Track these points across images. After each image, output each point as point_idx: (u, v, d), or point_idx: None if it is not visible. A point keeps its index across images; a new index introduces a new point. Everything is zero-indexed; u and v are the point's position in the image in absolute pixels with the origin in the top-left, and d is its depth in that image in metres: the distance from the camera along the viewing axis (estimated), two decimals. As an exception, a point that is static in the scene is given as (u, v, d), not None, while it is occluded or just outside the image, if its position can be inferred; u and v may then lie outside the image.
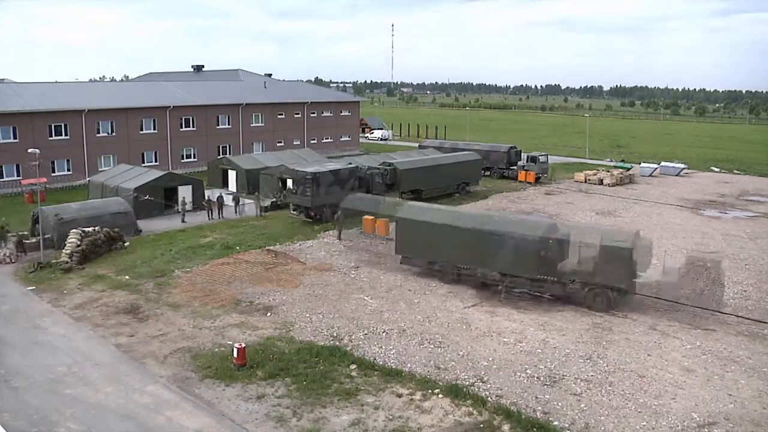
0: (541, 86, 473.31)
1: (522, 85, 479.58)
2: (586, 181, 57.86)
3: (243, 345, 20.60)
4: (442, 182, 48.45)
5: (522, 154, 61.26)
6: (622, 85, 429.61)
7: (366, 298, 26.80)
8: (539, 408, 18.14)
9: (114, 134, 55.35)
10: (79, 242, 31.77)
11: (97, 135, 54.18)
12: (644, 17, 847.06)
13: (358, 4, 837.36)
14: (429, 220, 29.12)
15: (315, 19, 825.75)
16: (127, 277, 29.24)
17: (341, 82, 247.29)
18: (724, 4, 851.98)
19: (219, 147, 63.49)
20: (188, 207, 40.93)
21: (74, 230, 32.58)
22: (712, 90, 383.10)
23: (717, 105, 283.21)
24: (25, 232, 34.35)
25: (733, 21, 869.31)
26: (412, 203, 34.38)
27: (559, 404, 18.38)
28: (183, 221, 39.49)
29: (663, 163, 66.57)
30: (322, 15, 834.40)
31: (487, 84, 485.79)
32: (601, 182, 56.94)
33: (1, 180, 48.81)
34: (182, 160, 60.17)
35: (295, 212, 40.34)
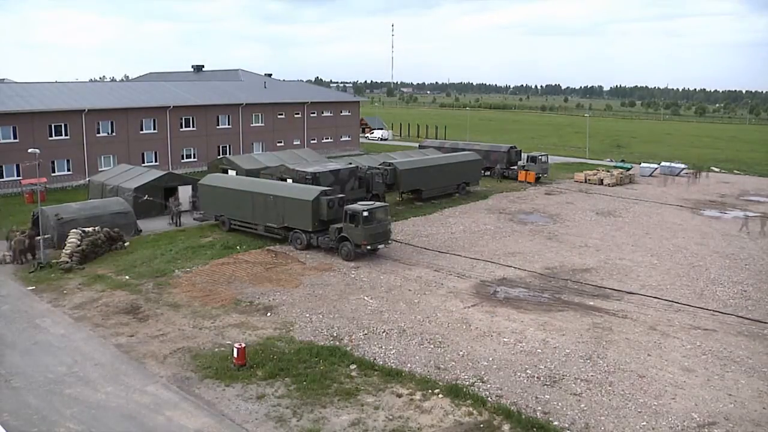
0: (541, 86, 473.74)
1: (522, 85, 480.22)
2: (586, 181, 57.90)
3: (243, 345, 20.60)
4: (442, 182, 48.46)
5: (522, 153, 61.29)
6: (622, 85, 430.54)
7: (366, 298, 26.80)
8: (539, 408, 18.14)
9: (114, 134, 55.34)
10: (79, 242, 31.77)
11: (97, 135, 54.17)
12: (598, 21, 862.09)
13: (333, 11, 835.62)
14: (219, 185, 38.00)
15: (298, 24, 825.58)
16: (127, 277, 29.24)
17: (341, 82, 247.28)
18: (669, 9, 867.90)
19: (219, 147, 63.50)
20: (183, 207, 40.84)
21: (74, 230, 32.59)
22: (712, 90, 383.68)
23: (717, 105, 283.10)
24: (25, 231, 34.35)
25: (677, 23, 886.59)
26: (213, 174, 41.56)
27: (559, 404, 18.38)
28: (178, 225, 39.19)
29: (663, 163, 66.59)
30: (303, 20, 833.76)
31: (487, 84, 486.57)
32: (601, 182, 56.97)
33: (1, 180, 48.81)
34: (182, 160, 60.17)
35: None
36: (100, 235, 32.75)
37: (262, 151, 64.52)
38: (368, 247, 31.78)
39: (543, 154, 60.39)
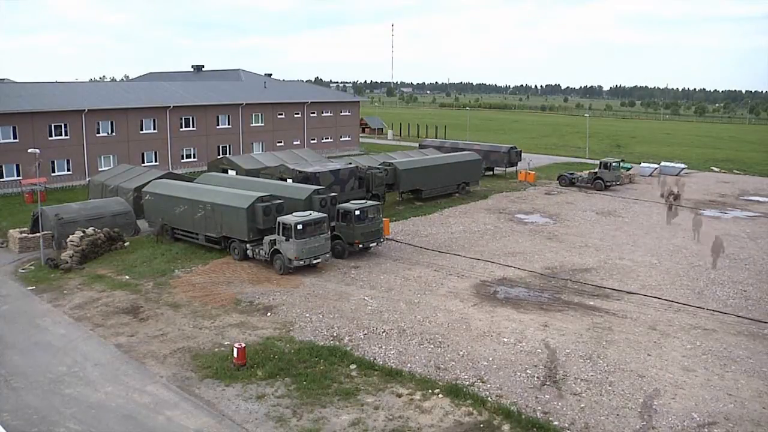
0: (541, 86, 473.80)
1: (522, 85, 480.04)
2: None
3: (243, 345, 20.61)
4: (442, 182, 48.47)
5: (522, 154, 61.30)
6: (622, 85, 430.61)
7: (366, 298, 26.80)
8: (539, 408, 18.14)
9: (114, 134, 55.37)
10: (78, 242, 31.80)
11: (97, 135, 54.20)
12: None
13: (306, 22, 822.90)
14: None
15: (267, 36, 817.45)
16: (127, 277, 29.25)
17: (341, 82, 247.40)
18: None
19: (219, 147, 63.52)
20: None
21: (75, 231, 32.64)
22: (712, 90, 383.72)
23: (717, 105, 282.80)
24: (25, 228, 34.55)
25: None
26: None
27: (559, 404, 18.38)
28: None
29: (663, 163, 66.58)
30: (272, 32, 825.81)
31: (487, 84, 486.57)
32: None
33: (1, 180, 48.83)
34: (182, 160, 60.19)
35: None
36: (100, 235, 32.76)
37: (262, 151, 64.55)
38: (360, 246, 31.94)
39: (616, 159, 57.09)
